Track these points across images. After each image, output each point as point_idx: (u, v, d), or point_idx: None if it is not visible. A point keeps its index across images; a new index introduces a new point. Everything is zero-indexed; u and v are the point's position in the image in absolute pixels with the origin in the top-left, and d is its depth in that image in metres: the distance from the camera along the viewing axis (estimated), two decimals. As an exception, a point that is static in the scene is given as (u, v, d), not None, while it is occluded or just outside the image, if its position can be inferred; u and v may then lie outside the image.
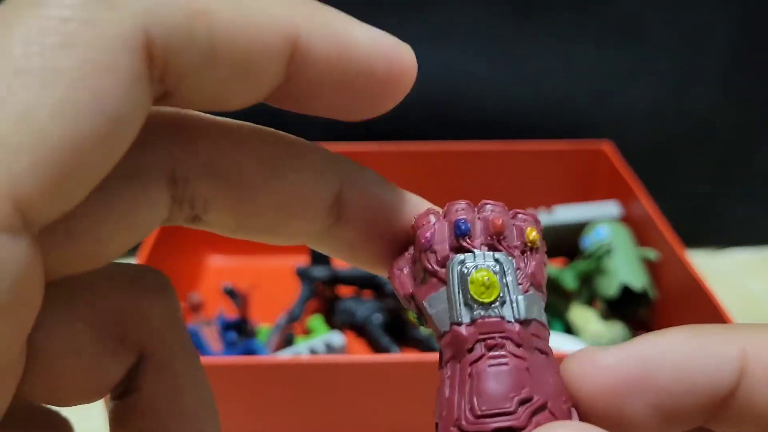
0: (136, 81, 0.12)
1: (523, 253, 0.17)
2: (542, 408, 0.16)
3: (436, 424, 0.17)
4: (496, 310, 0.16)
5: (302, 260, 0.76)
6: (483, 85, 0.75)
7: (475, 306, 0.16)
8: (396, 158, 0.74)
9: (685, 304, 0.60)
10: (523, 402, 0.16)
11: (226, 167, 0.16)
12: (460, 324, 0.16)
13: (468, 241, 0.17)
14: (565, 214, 0.69)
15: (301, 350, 0.60)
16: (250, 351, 0.62)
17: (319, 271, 0.69)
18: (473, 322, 0.16)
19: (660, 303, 0.65)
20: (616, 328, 0.63)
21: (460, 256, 0.17)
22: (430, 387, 0.53)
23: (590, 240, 0.68)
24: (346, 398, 0.51)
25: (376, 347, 0.64)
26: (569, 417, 0.16)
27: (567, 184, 0.78)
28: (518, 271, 0.17)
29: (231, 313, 0.69)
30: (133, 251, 0.70)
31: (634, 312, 0.66)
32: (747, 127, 0.78)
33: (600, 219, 0.70)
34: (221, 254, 0.79)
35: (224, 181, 0.16)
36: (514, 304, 0.16)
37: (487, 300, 0.16)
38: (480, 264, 0.17)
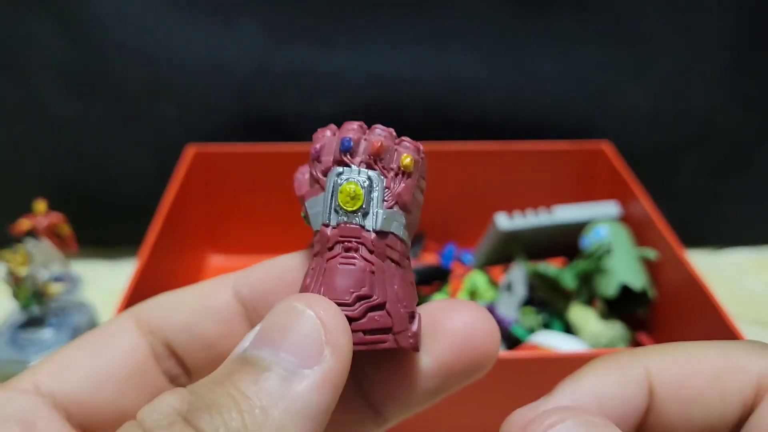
0: None
1: (396, 175, 0.19)
2: (379, 307, 0.18)
3: None
4: (357, 219, 0.19)
5: (302, 260, 0.76)
6: (483, 86, 0.76)
7: (341, 212, 0.19)
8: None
9: (685, 303, 0.60)
10: (361, 298, 0.18)
11: None
12: (327, 225, 0.19)
13: (348, 157, 0.19)
14: (564, 214, 0.69)
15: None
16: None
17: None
18: (337, 225, 0.19)
19: (659, 303, 0.65)
20: (616, 327, 0.63)
21: (339, 169, 0.19)
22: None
23: (590, 240, 0.68)
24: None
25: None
26: (408, 321, 0.19)
27: (566, 184, 0.78)
28: (386, 190, 0.19)
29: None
30: (134, 251, 0.70)
31: (633, 312, 0.66)
32: (747, 127, 0.78)
33: (599, 219, 0.70)
34: (222, 254, 0.80)
35: None
36: (374, 217, 0.19)
37: (350, 209, 0.19)
38: (352, 177, 0.19)
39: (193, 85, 0.74)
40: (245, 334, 0.20)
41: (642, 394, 0.17)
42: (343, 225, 0.19)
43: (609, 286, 0.64)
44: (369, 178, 0.19)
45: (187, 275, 0.74)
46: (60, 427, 0.19)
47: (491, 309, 0.65)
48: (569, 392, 0.18)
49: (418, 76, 0.75)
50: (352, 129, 0.20)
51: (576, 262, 0.68)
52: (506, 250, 0.69)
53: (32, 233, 0.66)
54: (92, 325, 0.68)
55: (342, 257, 0.19)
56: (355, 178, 0.19)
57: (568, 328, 0.65)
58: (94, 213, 0.77)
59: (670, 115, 0.77)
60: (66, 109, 0.74)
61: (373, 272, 0.19)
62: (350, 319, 0.18)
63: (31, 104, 0.74)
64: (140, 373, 0.20)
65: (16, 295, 0.63)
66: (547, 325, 0.65)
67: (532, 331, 0.63)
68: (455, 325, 0.19)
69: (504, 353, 0.51)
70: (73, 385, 0.19)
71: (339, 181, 0.19)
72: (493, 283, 0.70)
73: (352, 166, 0.19)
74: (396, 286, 0.19)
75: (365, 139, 0.20)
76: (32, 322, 0.65)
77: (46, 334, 0.64)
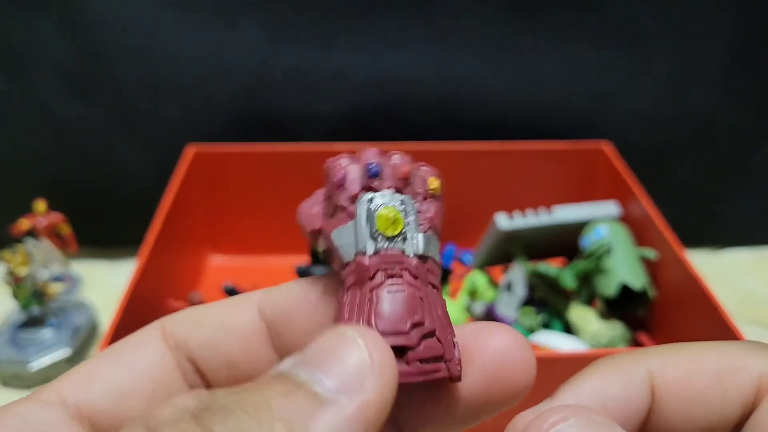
0: None
1: (425, 198, 0.19)
2: (431, 334, 0.17)
3: None
4: (398, 244, 0.18)
5: (302, 260, 0.76)
6: (483, 86, 0.76)
7: (380, 239, 0.18)
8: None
9: (685, 303, 0.60)
10: (415, 325, 0.17)
11: None
12: (364, 254, 0.18)
13: (378, 182, 0.19)
14: (564, 213, 0.69)
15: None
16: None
17: (319, 271, 0.69)
18: (376, 252, 0.18)
19: (659, 302, 0.65)
20: (616, 327, 0.63)
21: (369, 194, 0.18)
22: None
23: (589, 240, 0.68)
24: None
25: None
26: (454, 348, 0.18)
27: (566, 184, 0.78)
28: (419, 214, 0.19)
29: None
30: (134, 251, 0.70)
31: (633, 311, 0.66)
32: (746, 127, 0.78)
33: (599, 219, 0.70)
34: (222, 254, 0.80)
35: None
36: (414, 241, 0.18)
37: (391, 234, 0.18)
38: (387, 202, 0.18)
39: (194, 86, 0.74)
40: (267, 354, 0.20)
41: (644, 395, 0.17)
42: (383, 252, 0.18)
43: (609, 286, 0.64)
44: (403, 202, 0.19)
45: (187, 275, 0.74)
46: None
47: (491, 309, 0.65)
48: (571, 394, 0.18)
49: (418, 76, 0.75)
50: (374, 154, 0.19)
51: (576, 262, 0.68)
52: (506, 250, 0.69)
53: (32, 233, 0.66)
54: (92, 325, 0.68)
55: (388, 285, 0.18)
56: (389, 202, 0.18)
57: (568, 328, 0.65)
58: (94, 213, 0.77)
59: (670, 115, 0.77)
60: (66, 109, 0.74)
61: (422, 298, 0.18)
62: (408, 348, 0.17)
63: (31, 104, 0.74)
64: (166, 385, 0.20)
65: (15, 295, 0.63)
66: (547, 325, 0.65)
67: (532, 331, 0.63)
68: (490, 352, 0.18)
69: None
70: (99, 397, 0.19)
71: (373, 207, 0.18)
72: (493, 283, 0.71)
73: (383, 191, 0.19)
74: (440, 312, 0.18)
75: (387, 165, 0.19)
76: (32, 322, 0.65)
77: (46, 334, 0.64)
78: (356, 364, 0.15)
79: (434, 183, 0.19)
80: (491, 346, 0.18)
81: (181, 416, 0.14)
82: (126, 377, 0.19)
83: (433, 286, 0.18)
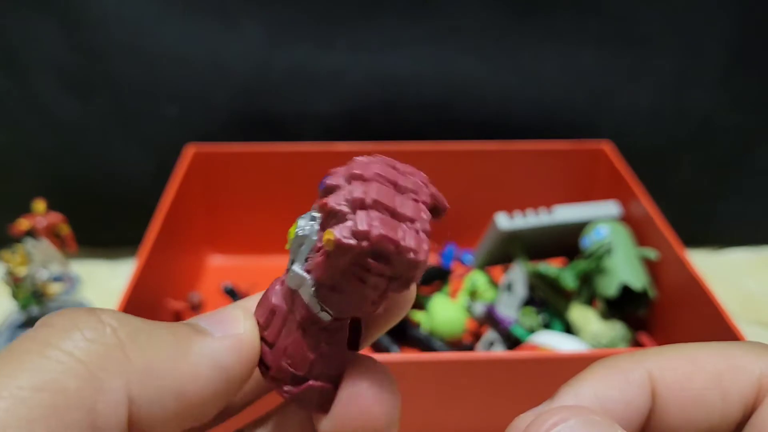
0: None
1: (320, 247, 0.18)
2: (269, 345, 0.19)
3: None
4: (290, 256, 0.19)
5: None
6: (483, 86, 0.75)
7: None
8: (396, 158, 0.73)
9: (685, 303, 0.60)
10: (261, 326, 0.19)
11: None
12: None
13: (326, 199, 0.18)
14: (564, 213, 0.69)
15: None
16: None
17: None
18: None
19: (660, 303, 0.65)
20: (616, 327, 0.63)
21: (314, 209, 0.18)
22: (431, 386, 0.53)
23: (590, 240, 0.68)
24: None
25: (376, 346, 0.65)
26: (288, 378, 0.19)
27: (567, 184, 0.78)
28: (312, 254, 0.18)
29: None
30: (134, 251, 0.70)
31: (634, 312, 0.66)
32: (747, 126, 0.78)
33: (600, 219, 0.70)
34: (221, 254, 0.80)
35: None
36: (288, 270, 0.19)
37: (287, 246, 0.19)
38: (300, 218, 0.19)
39: (193, 85, 0.74)
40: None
41: (644, 396, 0.17)
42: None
43: (609, 286, 0.64)
44: (309, 228, 0.18)
45: (187, 275, 0.74)
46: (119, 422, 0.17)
47: (491, 309, 0.65)
48: (571, 396, 0.17)
49: (418, 75, 0.75)
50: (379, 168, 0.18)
51: (576, 262, 0.68)
52: (506, 250, 0.69)
53: (31, 233, 0.65)
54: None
55: (271, 286, 0.20)
56: (301, 221, 0.18)
57: (569, 329, 0.65)
58: (93, 213, 0.77)
59: (670, 114, 0.77)
60: (66, 109, 0.74)
61: (273, 312, 0.19)
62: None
63: (30, 103, 0.73)
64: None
65: (15, 295, 0.63)
66: (547, 326, 0.65)
67: (532, 331, 0.63)
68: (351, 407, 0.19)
69: (504, 354, 0.51)
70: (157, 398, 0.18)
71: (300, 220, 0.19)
72: (494, 283, 0.70)
73: (313, 211, 0.18)
74: (289, 340, 0.19)
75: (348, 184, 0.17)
76: (31, 322, 0.65)
77: (46, 334, 0.64)
78: (234, 318, 0.19)
79: (328, 236, 0.16)
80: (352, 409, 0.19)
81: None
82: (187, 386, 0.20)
83: (299, 324, 0.18)
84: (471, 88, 0.76)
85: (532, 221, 0.67)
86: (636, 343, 0.66)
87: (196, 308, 0.71)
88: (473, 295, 0.70)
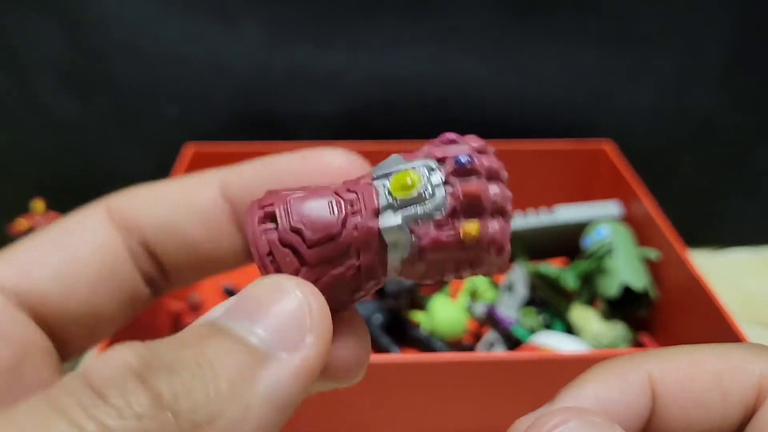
0: None
1: (448, 218, 0.17)
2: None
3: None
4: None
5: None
6: (483, 86, 0.75)
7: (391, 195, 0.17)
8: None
9: (686, 303, 0.60)
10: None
11: None
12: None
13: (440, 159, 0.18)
14: (565, 213, 0.69)
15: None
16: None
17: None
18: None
19: (661, 303, 0.65)
20: (617, 328, 0.63)
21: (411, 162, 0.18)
22: (431, 387, 0.53)
23: (591, 240, 0.68)
24: (345, 398, 0.51)
25: (376, 347, 0.64)
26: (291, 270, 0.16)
27: (568, 184, 0.78)
28: (428, 221, 0.17)
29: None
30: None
31: (635, 312, 0.66)
32: (747, 127, 0.78)
33: (601, 219, 0.70)
34: (221, 254, 0.79)
35: None
36: (387, 216, 0.17)
37: (403, 196, 0.16)
38: (412, 167, 0.17)
39: (193, 85, 0.74)
40: (231, 235, 0.19)
41: (645, 398, 0.17)
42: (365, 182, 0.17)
43: (610, 287, 0.64)
44: (431, 185, 0.16)
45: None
46: (24, 327, 0.17)
47: (492, 309, 0.64)
48: (572, 398, 0.17)
49: (418, 75, 0.75)
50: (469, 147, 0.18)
51: (577, 262, 0.67)
52: (507, 251, 0.69)
53: (30, 233, 0.65)
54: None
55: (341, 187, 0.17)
56: (415, 166, 0.17)
57: (570, 329, 0.65)
58: (93, 213, 0.77)
59: (670, 114, 0.77)
60: (65, 108, 0.74)
61: (332, 238, 0.16)
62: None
63: (30, 103, 0.73)
64: (114, 271, 0.18)
65: (14, 296, 0.63)
66: (548, 326, 0.65)
67: (533, 331, 0.63)
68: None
69: (505, 354, 0.51)
70: (41, 283, 0.18)
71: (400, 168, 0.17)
72: (494, 284, 0.70)
73: (420, 159, 0.17)
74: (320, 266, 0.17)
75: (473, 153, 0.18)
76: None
77: (45, 334, 0.64)
78: (295, 318, 0.14)
79: (470, 226, 0.16)
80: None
81: (125, 376, 0.13)
82: (70, 263, 0.18)
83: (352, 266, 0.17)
84: (471, 88, 0.76)
85: (533, 221, 0.67)
86: (637, 344, 0.66)
87: (196, 309, 0.71)
88: (474, 295, 0.70)
